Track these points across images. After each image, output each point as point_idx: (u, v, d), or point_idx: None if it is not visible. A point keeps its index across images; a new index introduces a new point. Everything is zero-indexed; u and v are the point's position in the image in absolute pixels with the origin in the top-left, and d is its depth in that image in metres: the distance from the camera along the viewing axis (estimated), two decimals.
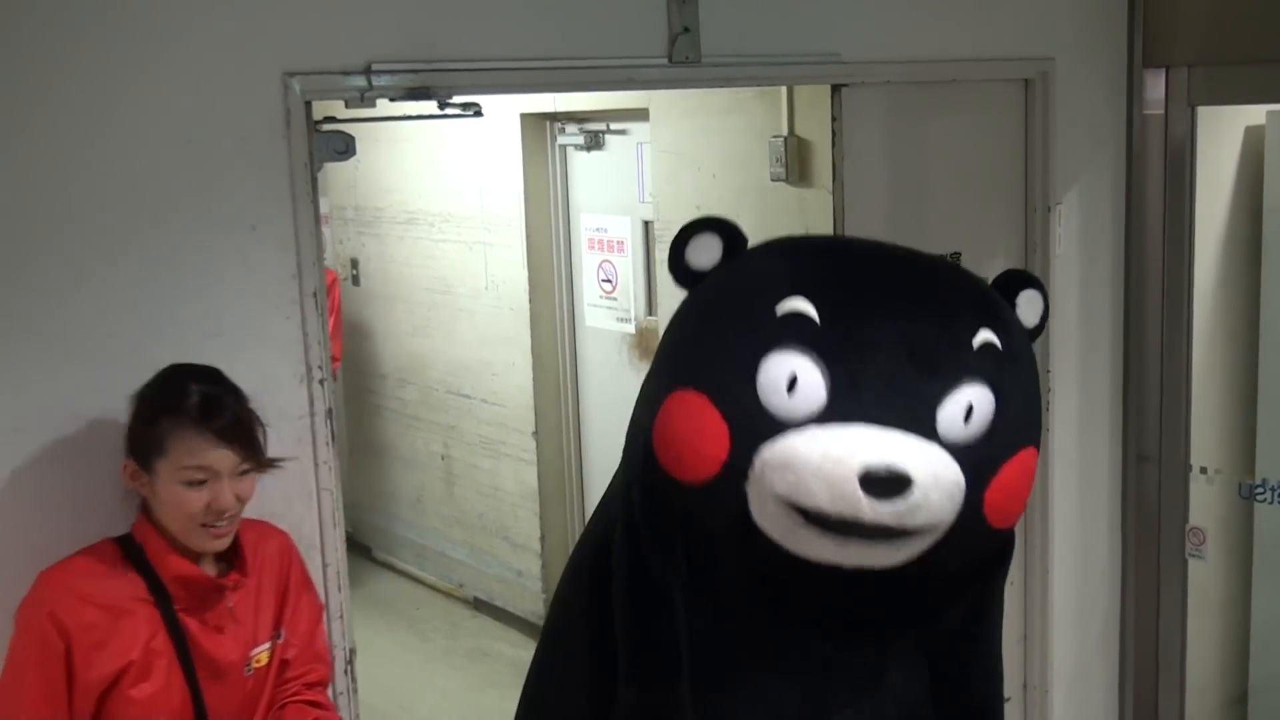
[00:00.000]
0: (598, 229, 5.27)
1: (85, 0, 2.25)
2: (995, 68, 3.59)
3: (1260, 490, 3.95)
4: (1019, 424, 2.11)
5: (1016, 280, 2.27)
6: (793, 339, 2.00)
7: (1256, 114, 4.11)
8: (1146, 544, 4.06)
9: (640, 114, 4.70)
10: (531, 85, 2.87)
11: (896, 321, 2.03)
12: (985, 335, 2.07)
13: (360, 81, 2.53)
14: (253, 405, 2.21)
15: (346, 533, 2.76)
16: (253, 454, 2.18)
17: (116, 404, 2.29)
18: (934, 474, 1.97)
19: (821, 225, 3.85)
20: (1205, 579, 4.19)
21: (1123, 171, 3.93)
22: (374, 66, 2.53)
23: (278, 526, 2.39)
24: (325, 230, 6.10)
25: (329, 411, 2.57)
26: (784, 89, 4.06)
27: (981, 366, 2.04)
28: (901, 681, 2.30)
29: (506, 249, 5.44)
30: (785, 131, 4.10)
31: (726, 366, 2.05)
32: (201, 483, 2.12)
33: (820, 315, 2.01)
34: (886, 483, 1.94)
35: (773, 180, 4.16)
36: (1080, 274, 3.87)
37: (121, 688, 2.12)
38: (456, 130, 5.41)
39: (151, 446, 2.12)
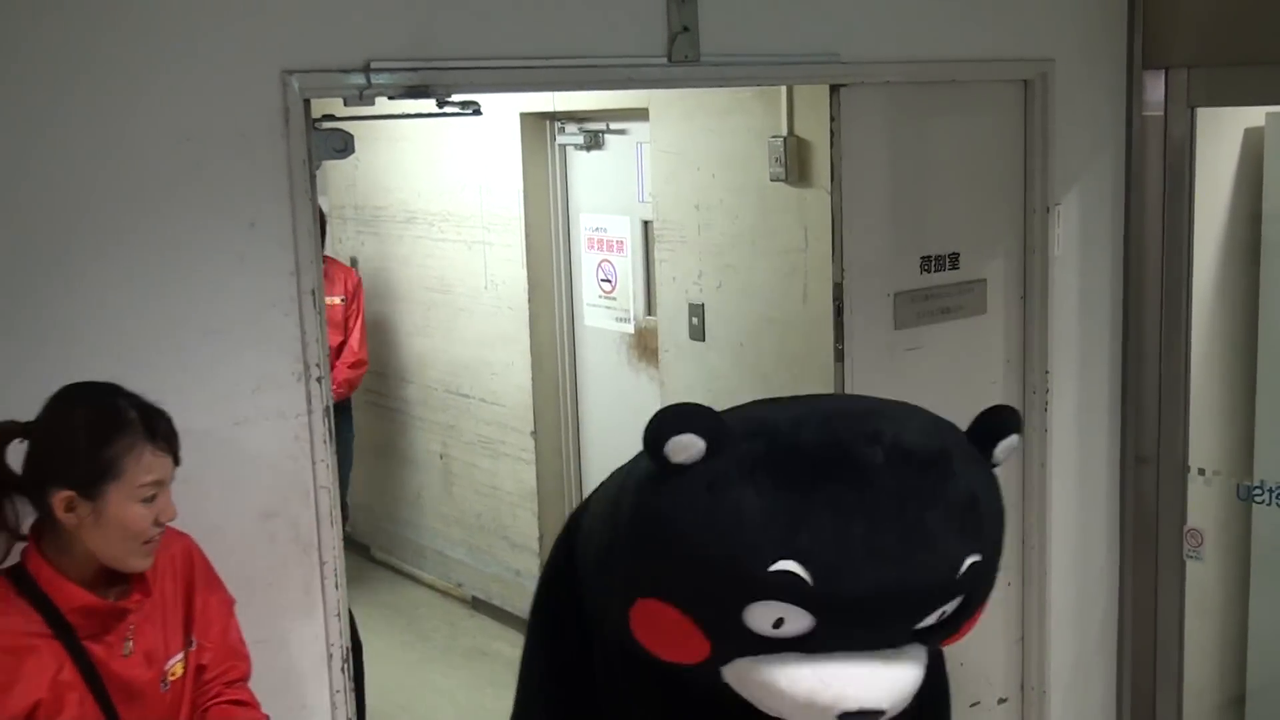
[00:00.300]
0: (597, 229, 5.27)
1: (82, 0, 2.25)
2: (994, 68, 3.59)
3: (1258, 492, 3.95)
4: (985, 593, 2.32)
5: (1000, 425, 2.33)
6: (783, 594, 2.10)
7: (1256, 115, 4.11)
8: (1145, 545, 4.06)
9: (640, 114, 4.70)
10: (530, 84, 2.87)
11: (886, 580, 2.12)
12: (969, 561, 2.18)
13: (359, 79, 2.53)
14: None
15: (345, 532, 2.76)
16: (179, 458, 2.14)
17: None
18: (904, 696, 2.20)
19: (820, 225, 3.85)
20: (1203, 580, 4.20)
21: (1122, 173, 3.93)
22: (373, 64, 2.53)
23: (176, 529, 2.25)
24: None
25: (326, 409, 2.56)
26: (784, 89, 4.06)
27: (962, 585, 2.20)
28: None
29: (506, 248, 5.44)
30: (785, 131, 4.10)
31: (714, 603, 2.16)
32: (151, 498, 2.08)
33: (812, 577, 2.09)
34: (861, 715, 2.16)
35: (772, 180, 4.16)
36: (1079, 275, 3.87)
37: None
38: (456, 129, 5.41)
39: (103, 471, 2.03)
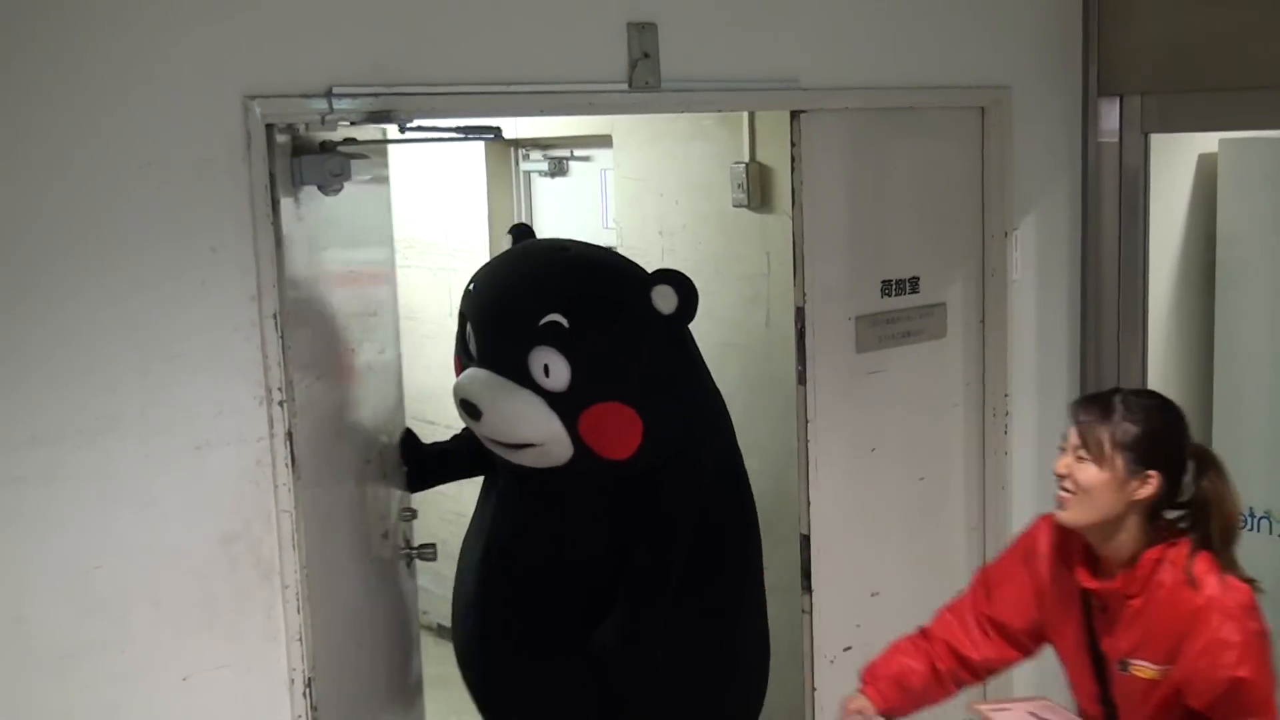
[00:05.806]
0: None
1: (44, 25, 2.25)
2: (952, 95, 3.64)
3: None
4: (595, 384, 3.12)
5: (657, 277, 3.26)
6: (549, 339, 3.14)
7: (1209, 142, 4.18)
8: None
9: (604, 140, 4.73)
10: (491, 109, 2.88)
11: (494, 309, 3.30)
12: (551, 318, 3.11)
13: (321, 104, 2.53)
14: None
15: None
16: (1094, 445, 2.44)
17: (76, 424, 2.29)
18: (494, 404, 3.20)
19: (783, 250, 3.88)
20: None
21: (1078, 198, 3.99)
22: (335, 90, 2.54)
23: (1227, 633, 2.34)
24: None
25: (288, 434, 2.56)
26: (745, 115, 4.10)
27: (545, 337, 3.11)
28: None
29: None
30: (747, 158, 4.14)
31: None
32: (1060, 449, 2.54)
33: (463, 309, 3.38)
34: (465, 407, 3.31)
35: (734, 206, 4.19)
36: (1037, 298, 3.92)
37: None
38: (420, 156, 5.42)
39: None
